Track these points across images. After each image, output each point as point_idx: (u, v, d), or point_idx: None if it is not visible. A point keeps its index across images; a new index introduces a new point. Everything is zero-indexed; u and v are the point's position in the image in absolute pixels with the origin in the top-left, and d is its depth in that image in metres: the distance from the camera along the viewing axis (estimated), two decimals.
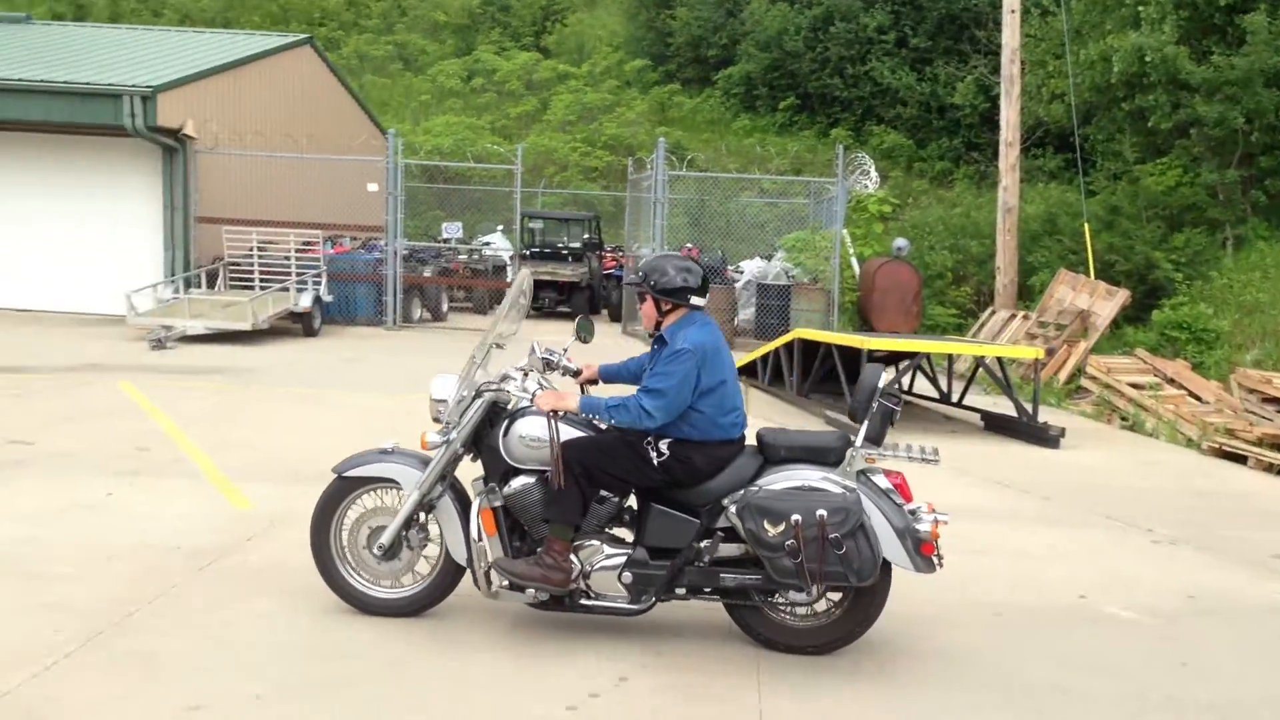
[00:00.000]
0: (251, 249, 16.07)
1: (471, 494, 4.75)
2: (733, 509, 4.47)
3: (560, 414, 4.58)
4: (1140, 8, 16.61)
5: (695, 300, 4.67)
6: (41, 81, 15.45)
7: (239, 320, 14.07)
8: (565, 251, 20.72)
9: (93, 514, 6.27)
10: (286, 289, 15.35)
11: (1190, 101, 16.03)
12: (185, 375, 11.45)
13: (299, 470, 7.28)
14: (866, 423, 4.55)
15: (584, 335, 5.14)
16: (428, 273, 17.89)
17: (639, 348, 10.83)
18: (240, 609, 4.87)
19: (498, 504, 4.65)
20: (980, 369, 12.01)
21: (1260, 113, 15.74)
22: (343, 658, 4.41)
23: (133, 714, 3.85)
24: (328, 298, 15.89)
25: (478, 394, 4.71)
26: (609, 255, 21.55)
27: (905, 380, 11.83)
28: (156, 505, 6.50)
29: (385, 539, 4.74)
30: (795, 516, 4.30)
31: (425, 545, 4.87)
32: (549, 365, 4.97)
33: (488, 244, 20.78)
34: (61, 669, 4.17)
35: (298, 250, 15.97)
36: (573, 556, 4.55)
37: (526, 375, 4.84)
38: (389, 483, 4.83)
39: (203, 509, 6.47)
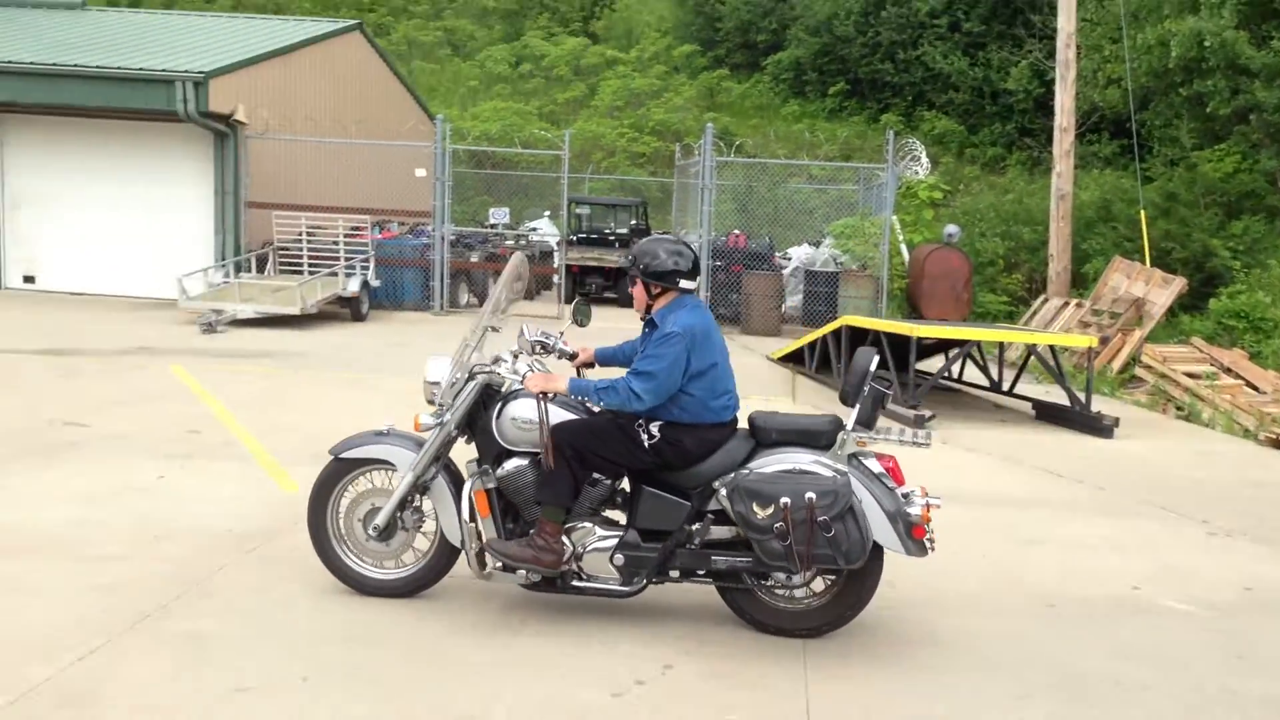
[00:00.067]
0: (300, 234, 16.21)
1: (465, 476, 4.75)
2: (723, 491, 4.45)
3: (551, 396, 4.58)
4: None
5: (685, 284, 4.64)
6: (95, 67, 15.63)
7: (288, 305, 14.18)
8: (612, 237, 20.71)
9: (144, 496, 6.34)
10: (335, 274, 15.47)
11: (1249, 87, 15.70)
12: (235, 359, 11.57)
13: None
14: (858, 406, 4.54)
15: (580, 319, 5.15)
16: (475, 258, 17.94)
17: None
18: (288, 591, 4.90)
19: (491, 486, 4.66)
20: (1032, 357, 11.84)
21: None
22: (389, 642, 4.42)
23: (180, 695, 3.88)
24: (375, 283, 15.96)
25: (470, 376, 4.71)
26: None
27: (955, 368, 11.70)
28: (207, 488, 6.57)
29: (380, 520, 4.77)
30: (784, 499, 4.28)
31: (420, 526, 4.90)
32: (546, 348, 4.95)
33: (535, 229, 20.82)
34: (110, 650, 4.21)
35: (346, 235, 16.08)
36: (565, 538, 4.56)
37: (517, 357, 4.85)
38: (385, 464, 4.85)
39: (252, 492, 6.54)
